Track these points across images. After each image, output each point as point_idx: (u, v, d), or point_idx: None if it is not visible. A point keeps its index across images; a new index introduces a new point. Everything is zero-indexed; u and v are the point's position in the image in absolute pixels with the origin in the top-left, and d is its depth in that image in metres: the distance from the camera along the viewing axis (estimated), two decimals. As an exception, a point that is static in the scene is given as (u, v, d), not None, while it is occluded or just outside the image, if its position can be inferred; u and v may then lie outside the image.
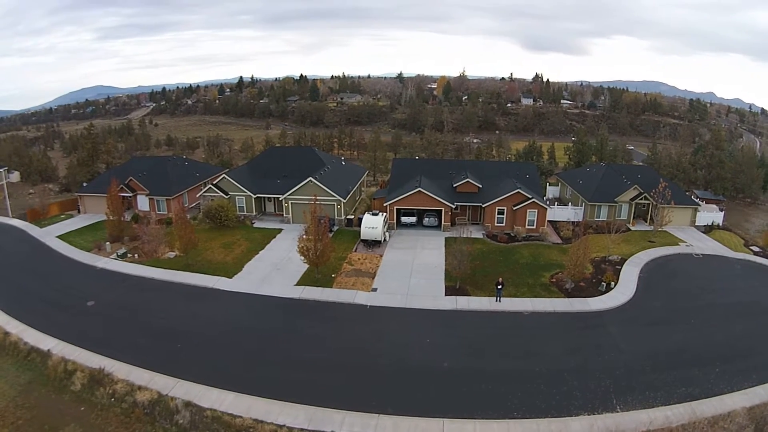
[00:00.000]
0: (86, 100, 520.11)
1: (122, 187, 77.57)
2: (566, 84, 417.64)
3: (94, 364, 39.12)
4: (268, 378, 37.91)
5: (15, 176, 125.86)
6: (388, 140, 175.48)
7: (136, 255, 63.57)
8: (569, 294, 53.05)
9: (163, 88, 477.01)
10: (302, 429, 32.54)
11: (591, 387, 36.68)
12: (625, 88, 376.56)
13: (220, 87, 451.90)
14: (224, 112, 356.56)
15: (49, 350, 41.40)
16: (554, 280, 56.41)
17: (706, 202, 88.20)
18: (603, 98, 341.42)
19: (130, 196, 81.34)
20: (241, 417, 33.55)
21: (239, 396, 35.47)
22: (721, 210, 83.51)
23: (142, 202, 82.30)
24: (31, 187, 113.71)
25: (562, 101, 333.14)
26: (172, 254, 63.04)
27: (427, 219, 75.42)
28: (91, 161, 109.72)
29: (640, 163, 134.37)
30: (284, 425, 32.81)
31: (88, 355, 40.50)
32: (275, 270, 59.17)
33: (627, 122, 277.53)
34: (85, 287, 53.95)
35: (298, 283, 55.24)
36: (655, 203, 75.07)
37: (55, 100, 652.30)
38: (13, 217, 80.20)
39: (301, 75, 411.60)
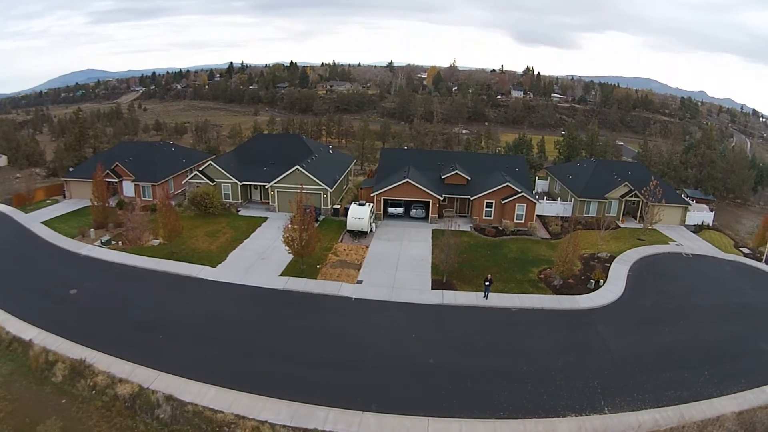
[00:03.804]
0: (76, 83, 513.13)
1: (108, 173, 76.40)
2: (557, 78, 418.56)
3: (76, 355, 38.25)
4: (251, 372, 37.20)
5: (2, 160, 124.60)
6: (377, 129, 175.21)
7: (120, 242, 62.54)
8: (558, 291, 52.68)
9: (153, 73, 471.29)
10: (285, 426, 31.87)
11: (579, 387, 36.35)
12: (616, 84, 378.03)
13: (210, 72, 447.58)
14: (213, 97, 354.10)
15: (30, 340, 40.37)
16: (542, 276, 56.01)
17: (696, 202, 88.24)
18: (594, 93, 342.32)
19: (115, 182, 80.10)
20: (222, 412, 32.81)
21: (221, 390, 34.75)
22: (711, 210, 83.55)
23: (128, 188, 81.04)
24: (18, 172, 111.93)
25: (552, 95, 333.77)
26: (156, 242, 62.08)
27: (415, 210, 74.80)
28: (78, 146, 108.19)
29: (631, 160, 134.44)
30: (266, 421, 32.11)
31: (70, 345, 39.60)
32: (260, 259, 58.38)
33: (617, 118, 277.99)
34: (68, 275, 52.95)
35: (283, 274, 54.45)
36: (645, 201, 74.87)
37: (46, 84, 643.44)
38: (-1, 203, 78.75)
39: (291, 62, 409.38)
